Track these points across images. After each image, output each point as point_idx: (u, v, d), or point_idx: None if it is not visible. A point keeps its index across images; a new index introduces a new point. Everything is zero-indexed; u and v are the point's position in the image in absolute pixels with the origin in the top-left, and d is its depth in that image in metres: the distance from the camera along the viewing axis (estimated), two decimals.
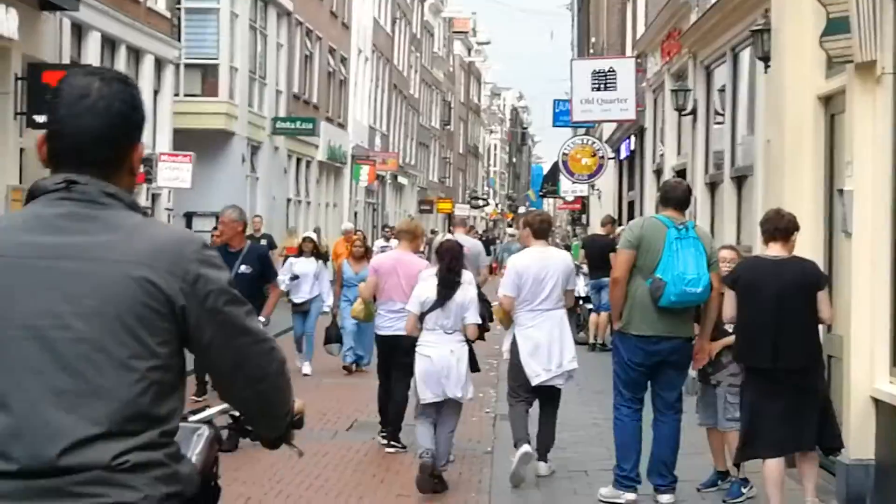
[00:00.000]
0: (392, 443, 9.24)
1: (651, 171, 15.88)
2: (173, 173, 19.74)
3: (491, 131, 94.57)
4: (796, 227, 6.61)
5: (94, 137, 2.30)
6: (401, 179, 50.10)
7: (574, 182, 22.67)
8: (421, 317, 7.85)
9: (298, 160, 32.30)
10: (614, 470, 7.17)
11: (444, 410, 7.92)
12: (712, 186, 12.31)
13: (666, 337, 6.89)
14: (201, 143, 24.19)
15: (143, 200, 20.51)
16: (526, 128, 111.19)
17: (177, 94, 23.86)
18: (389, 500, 7.92)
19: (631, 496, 7.14)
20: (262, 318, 8.81)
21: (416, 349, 7.88)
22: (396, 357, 8.83)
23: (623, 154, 20.26)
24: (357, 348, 13.55)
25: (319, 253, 14.81)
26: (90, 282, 2.22)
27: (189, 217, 24.99)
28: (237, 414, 2.75)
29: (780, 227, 6.52)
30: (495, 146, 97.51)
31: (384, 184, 45.84)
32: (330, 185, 36.88)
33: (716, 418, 7.39)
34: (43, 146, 2.36)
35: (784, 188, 8.41)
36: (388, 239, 22.84)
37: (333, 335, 12.74)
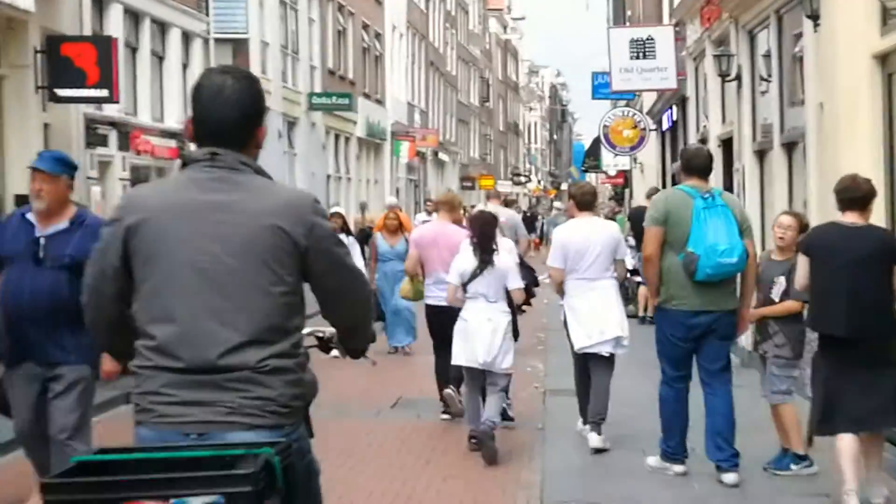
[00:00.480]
0: (459, 391, 9.06)
1: (695, 141, 15.36)
2: None
3: (530, 108, 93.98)
4: (874, 195, 6.26)
5: (229, 123, 3.03)
6: (442, 156, 49.76)
7: (616, 155, 22.20)
8: (464, 287, 7.93)
9: (337, 136, 32.02)
10: (660, 444, 7.09)
11: (489, 379, 8.03)
12: (761, 154, 11.81)
13: (706, 311, 6.69)
14: None
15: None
16: (565, 105, 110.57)
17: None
18: (436, 482, 7.51)
19: (679, 468, 6.99)
20: None
21: (459, 314, 8.01)
22: (449, 326, 8.69)
23: (665, 125, 19.74)
24: (397, 331, 13.18)
25: (348, 229, 14.34)
26: (235, 229, 2.95)
27: None
28: (321, 335, 3.43)
29: (858, 195, 6.16)
30: (535, 123, 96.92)
31: (425, 160, 45.56)
32: (370, 162, 36.63)
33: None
34: (190, 127, 3.10)
35: (839, 154, 8.04)
36: (429, 213, 22.40)
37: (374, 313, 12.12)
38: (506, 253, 8.03)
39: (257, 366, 2.92)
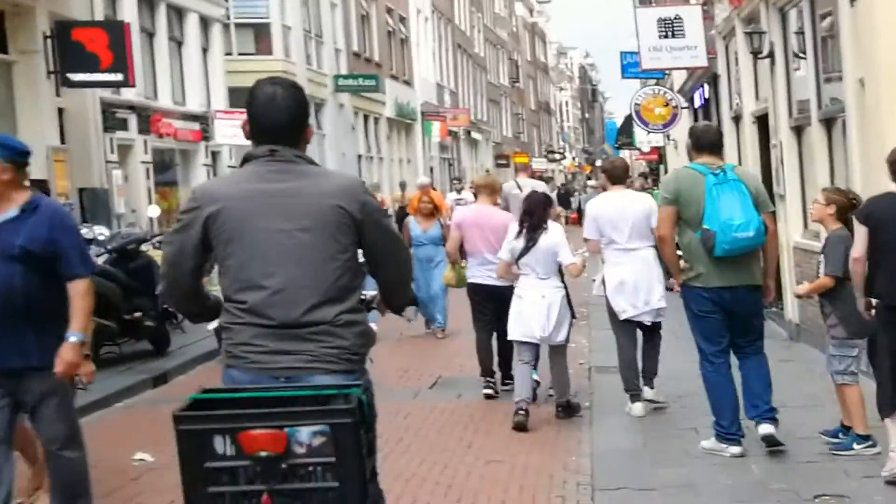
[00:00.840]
0: (505, 381, 9.21)
1: (729, 118, 14.80)
2: (230, 130, 19.09)
3: (561, 88, 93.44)
4: None
5: (282, 125, 3.60)
6: (474, 135, 49.38)
7: (649, 132, 21.61)
8: (517, 264, 8.12)
9: (366, 117, 31.68)
10: (713, 425, 6.79)
11: (549, 354, 8.22)
12: (798, 130, 11.27)
13: (729, 287, 6.54)
14: None
15: (202, 158, 19.97)
16: (595, 85, 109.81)
17: (230, 54, 23.38)
18: (478, 466, 7.06)
19: (736, 449, 6.65)
20: None
21: (514, 293, 8.20)
22: (493, 306, 9.00)
23: (697, 102, 19.16)
24: (432, 313, 12.83)
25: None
26: (304, 209, 3.54)
27: None
28: (363, 297, 3.80)
29: None
30: (566, 103, 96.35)
31: (458, 139, 45.18)
32: (401, 141, 36.32)
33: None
34: (246, 127, 3.70)
35: (884, 128, 7.68)
36: (459, 192, 21.95)
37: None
38: (554, 231, 8.15)
39: (333, 321, 3.56)
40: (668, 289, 8.30)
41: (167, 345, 11.69)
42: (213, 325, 5.28)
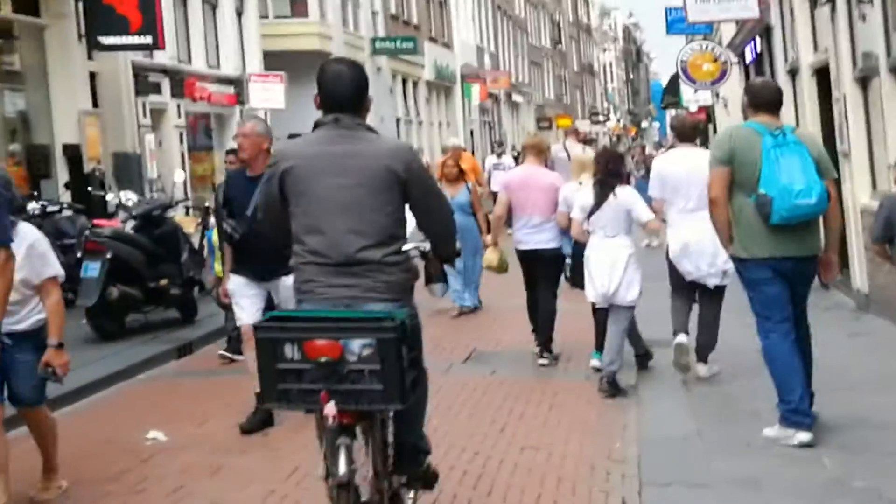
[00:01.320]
0: (544, 353, 8.98)
1: (784, 72, 14.02)
2: (265, 94, 18.69)
3: (604, 49, 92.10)
4: None
5: (347, 97, 4.38)
6: (516, 98, 48.60)
7: (696, 90, 20.85)
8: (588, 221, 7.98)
9: (404, 80, 31.10)
10: (778, 406, 6.13)
11: (611, 314, 8.02)
12: (863, 82, 10.54)
13: (784, 258, 6.10)
14: (297, 66, 23.07)
15: (236, 123, 19.48)
16: (639, 45, 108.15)
17: (265, 17, 22.89)
18: (512, 454, 6.47)
19: (805, 436, 6.00)
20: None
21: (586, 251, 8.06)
22: (540, 269, 8.94)
23: (749, 57, 18.39)
24: (463, 292, 11.80)
25: None
26: (358, 168, 4.33)
27: (294, 138, 24.01)
28: (422, 249, 4.60)
29: None
30: (610, 64, 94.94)
31: (498, 102, 44.45)
32: (441, 105, 35.73)
33: None
34: (318, 100, 4.40)
35: None
36: (499, 155, 21.19)
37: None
38: (629, 189, 8.09)
39: (381, 260, 4.31)
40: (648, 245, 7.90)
41: (195, 313, 11.28)
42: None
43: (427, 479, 4.81)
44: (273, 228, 4.61)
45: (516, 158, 18.80)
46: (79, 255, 10.43)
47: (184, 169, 17.15)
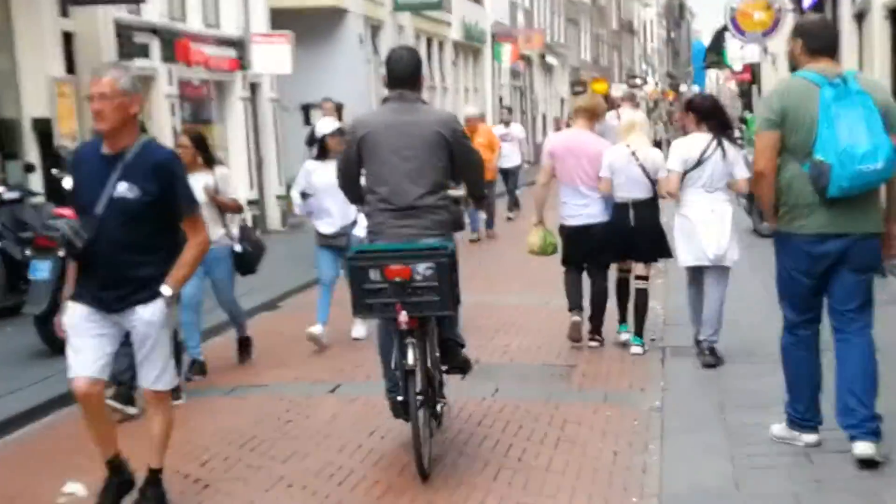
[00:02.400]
0: (595, 336, 8.62)
1: (850, 16, 12.20)
2: (270, 57, 17.05)
3: (646, 5, 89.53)
4: None
5: (407, 76, 5.94)
6: (549, 59, 46.59)
7: (745, 44, 19.05)
8: (683, 177, 7.67)
9: (429, 40, 29.29)
10: (786, 408, 5.68)
11: (708, 279, 7.73)
12: None
13: (837, 234, 5.28)
14: (311, 25, 21.78)
15: (239, 91, 17.87)
16: (682, 1, 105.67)
17: None
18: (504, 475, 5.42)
19: (811, 437, 5.60)
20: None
21: (676, 210, 7.81)
22: (588, 248, 8.43)
23: (807, 2, 16.52)
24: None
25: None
26: (416, 132, 5.85)
27: (306, 110, 22.45)
28: (461, 193, 6.54)
29: None
30: (651, 21, 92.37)
31: (531, 65, 42.54)
32: (468, 68, 33.88)
33: None
34: (385, 78, 6.15)
35: None
36: (507, 124, 19.40)
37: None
38: (732, 144, 7.80)
39: (434, 204, 5.92)
40: (762, 234, 7.52)
41: None
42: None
43: (463, 367, 6.40)
44: (348, 186, 6.22)
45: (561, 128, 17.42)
46: (27, 252, 8.93)
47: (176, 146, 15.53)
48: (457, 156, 5.98)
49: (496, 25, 35.87)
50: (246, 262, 8.42)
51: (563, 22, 51.02)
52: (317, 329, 9.00)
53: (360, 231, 8.01)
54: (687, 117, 7.93)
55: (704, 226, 7.57)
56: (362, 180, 6.09)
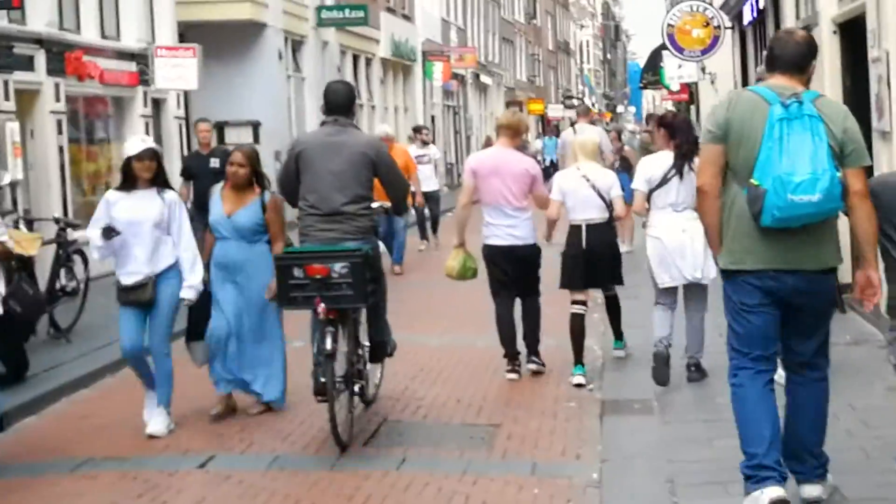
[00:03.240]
0: (533, 358, 8.26)
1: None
2: (174, 72, 15.70)
3: (582, 26, 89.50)
4: None
5: (342, 105, 7.14)
6: (484, 79, 45.71)
7: (683, 62, 18.18)
8: (648, 197, 7.60)
9: (356, 57, 28.14)
10: (741, 468, 4.93)
11: (689, 297, 7.69)
12: None
13: (786, 270, 4.81)
14: (227, 39, 20.65)
15: (140, 108, 16.51)
16: (619, 22, 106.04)
17: None
18: None
19: (776, 492, 4.76)
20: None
21: (647, 231, 7.77)
22: (515, 270, 8.16)
23: (747, 18, 15.61)
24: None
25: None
26: (346, 151, 6.96)
27: (221, 129, 21.26)
28: (385, 206, 7.30)
29: None
30: (587, 42, 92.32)
31: (465, 84, 41.52)
32: (398, 86, 32.76)
33: None
34: (323, 107, 7.27)
35: None
36: (424, 144, 17.74)
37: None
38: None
39: (355, 212, 6.93)
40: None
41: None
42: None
43: (391, 354, 7.69)
44: (289, 194, 7.21)
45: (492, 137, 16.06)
46: None
47: (63, 167, 14.14)
48: (381, 174, 7.12)
49: (427, 43, 34.85)
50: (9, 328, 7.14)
51: (498, 41, 50.25)
52: (156, 424, 7.09)
53: (188, 292, 7.03)
54: (658, 134, 7.85)
55: (678, 246, 7.44)
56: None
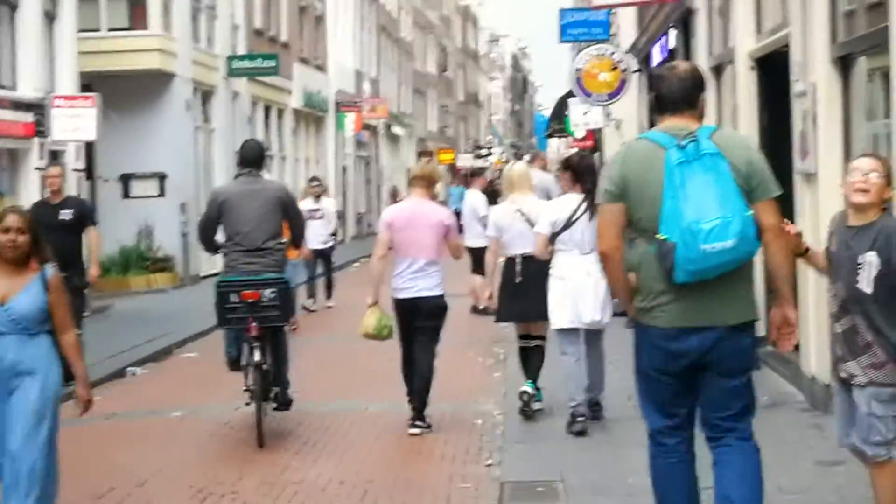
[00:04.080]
0: (416, 422, 8.08)
1: (708, 68, 11.17)
2: (72, 122, 15.16)
3: (491, 78, 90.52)
4: None
5: (255, 159, 8.50)
6: (396, 130, 45.65)
7: (591, 106, 18.08)
8: (552, 239, 7.58)
9: (267, 108, 27.75)
10: None
11: (589, 341, 7.70)
12: (845, 62, 7.62)
13: (697, 328, 4.43)
14: (134, 90, 20.19)
15: (35, 160, 15.82)
16: (526, 74, 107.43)
17: (97, 30, 19.50)
18: None
19: None
20: None
21: (550, 272, 7.68)
22: (419, 321, 8.16)
23: (656, 60, 15.61)
24: None
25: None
26: (262, 197, 8.18)
27: (126, 181, 20.73)
28: (284, 241, 8.50)
29: None
30: (497, 94, 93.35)
31: (376, 134, 41.37)
32: (310, 137, 32.42)
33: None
34: (238, 158, 8.74)
35: None
36: (317, 198, 16.85)
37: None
38: None
39: (273, 247, 8.08)
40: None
41: None
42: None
43: (287, 404, 8.42)
44: (206, 239, 8.42)
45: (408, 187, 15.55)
46: None
47: None
48: (290, 216, 8.35)
49: (340, 94, 34.63)
50: None
51: (410, 93, 50.36)
52: None
53: None
54: (563, 176, 7.82)
55: (580, 288, 7.42)
56: (219, 235, 8.37)
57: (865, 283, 4.66)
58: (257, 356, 7.83)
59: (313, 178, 17.96)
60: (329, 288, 16.79)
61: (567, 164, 7.92)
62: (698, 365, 4.50)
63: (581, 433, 7.39)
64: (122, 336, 13.28)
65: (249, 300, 7.81)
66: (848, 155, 7.54)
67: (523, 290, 8.00)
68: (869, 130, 7.50)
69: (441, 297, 8.16)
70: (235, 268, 8.01)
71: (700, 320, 4.43)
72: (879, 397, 4.70)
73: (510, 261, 8.12)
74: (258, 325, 7.80)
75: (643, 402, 4.72)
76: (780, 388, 8.31)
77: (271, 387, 8.12)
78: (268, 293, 7.83)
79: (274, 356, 8.08)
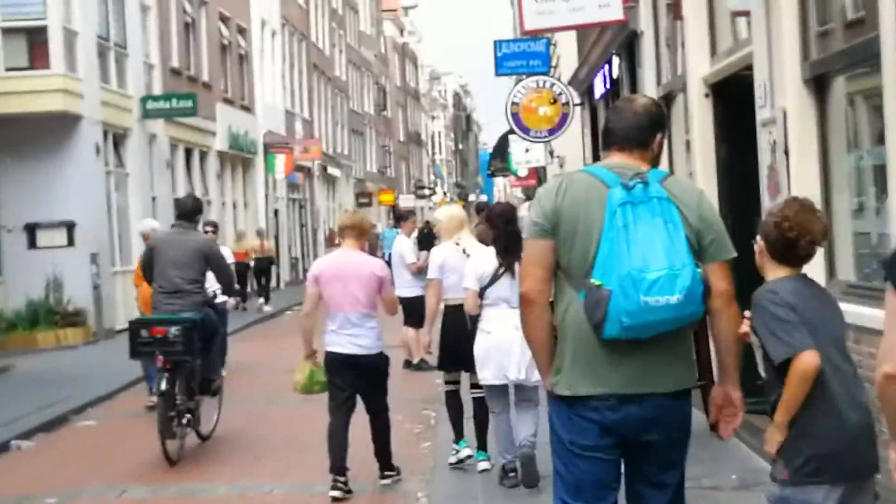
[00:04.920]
0: (386, 473, 7.91)
1: (657, 97, 9.93)
2: None
3: (433, 117, 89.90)
4: None
5: (188, 213, 9.74)
6: (332, 170, 44.32)
7: (531, 143, 16.89)
8: (481, 293, 7.25)
9: (189, 150, 26.26)
10: None
11: (520, 395, 7.36)
12: (819, 84, 6.34)
13: (630, 396, 3.82)
14: (38, 134, 18.72)
15: None
16: (470, 112, 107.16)
17: None
18: None
19: None
20: None
21: (478, 326, 7.35)
22: (364, 379, 7.69)
23: (599, 91, 14.44)
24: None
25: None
26: (186, 247, 9.33)
27: (32, 231, 19.20)
28: (216, 290, 10.19)
29: None
30: (439, 133, 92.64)
31: (311, 176, 40.01)
32: (237, 180, 30.95)
33: None
34: (176, 208, 10.71)
35: None
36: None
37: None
38: None
39: (191, 290, 9.21)
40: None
41: None
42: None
43: (215, 391, 9.76)
44: (150, 278, 9.37)
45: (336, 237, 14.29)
46: None
47: None
48: (212, 266, 9.38)
49: (269, 135, 33.23)
50: None
51: (346, 133, 49.15)
52: None
53: None
54: (486, 226, 7.57)
55: (507, 343, 7.07)
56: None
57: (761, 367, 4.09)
58: (164, 385, 8.87)
59: (209, 223, 16.32)
60: (223, 353, 15.23)
61: (487, 214, 7.63)
62: (627, 442, 3.94)
63: (514, 486, 7.20)
64: (18, 401, 12.12)
65: (157, 335, 8.99)
66: (828, 189, 6.30)
67: (469, 338, 7.49)
68: (851, 162, 6.26)
69: (380, 354, 7.77)
70: (158, 307, 9.25)
71: (633, 386, 3.87)
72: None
73: (455, 308, 7.71)
74: (165, 357, 8.93)
75: (557, 484, 4.04)
76: (751, 464, 7.09)
77: (185, 413, 9.19)
78: (174, 330, 8.92)
79: (186, 385, 9.18)
